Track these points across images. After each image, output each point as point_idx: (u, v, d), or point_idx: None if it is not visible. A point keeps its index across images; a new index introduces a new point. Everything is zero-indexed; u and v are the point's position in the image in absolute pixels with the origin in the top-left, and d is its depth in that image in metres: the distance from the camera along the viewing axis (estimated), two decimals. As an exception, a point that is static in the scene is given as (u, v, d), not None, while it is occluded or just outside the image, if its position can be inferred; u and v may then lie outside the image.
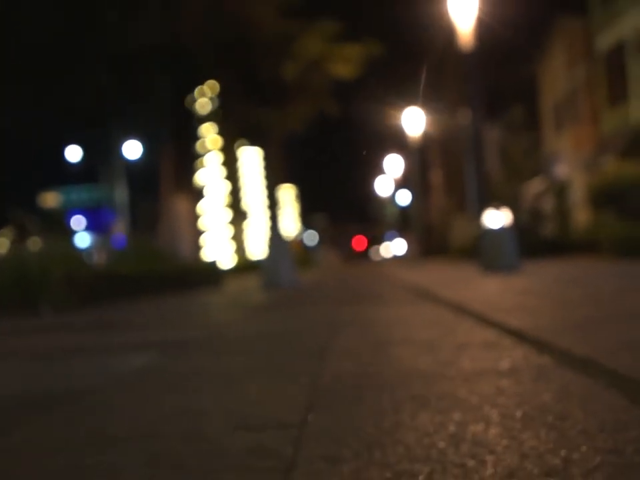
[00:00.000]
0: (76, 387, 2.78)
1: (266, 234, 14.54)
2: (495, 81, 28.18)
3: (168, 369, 3.25)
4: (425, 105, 33.11)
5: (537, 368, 2.47)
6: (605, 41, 27.79)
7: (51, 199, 49.33)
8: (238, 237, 71.35)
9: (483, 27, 16.26)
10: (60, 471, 1.58)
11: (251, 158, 77.34)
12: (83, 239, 33.80)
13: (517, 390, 2.12)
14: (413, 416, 1.86)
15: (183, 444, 1.73)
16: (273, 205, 38.25)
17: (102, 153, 34.88)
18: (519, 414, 1.80)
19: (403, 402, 2.05)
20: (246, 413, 2.06)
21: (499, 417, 1.78)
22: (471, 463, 1.43)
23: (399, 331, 4.13)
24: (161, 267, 14.27)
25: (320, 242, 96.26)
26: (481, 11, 16.13)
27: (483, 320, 4.17)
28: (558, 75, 32.51)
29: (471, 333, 3.72)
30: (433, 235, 41.54)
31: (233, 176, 75.00)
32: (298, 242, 64.52)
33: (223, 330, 5.37)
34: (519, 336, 3.30)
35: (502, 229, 12.81)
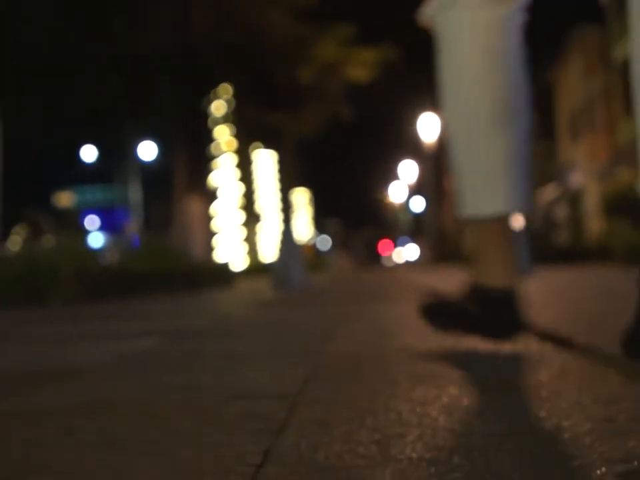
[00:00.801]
0: (79, 365, 2.81)
1: (278, 236, 14.51)
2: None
3: (170, 351, 3.26)
4: (440, 110, 33.11)
5: (536, 353, 2.47)
6: (622, 51, 27.71)
7: (65, 199, 49.69)
8: (251, 239, 71.48)
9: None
10: (55, 429, 1.60)
11: (266, 161, 77.51)
12: (96, 239, 33.91)
13: (514, 370, 2.12)
14: (409, 390, 1.86)
15: (177, 411, 1.74)
16: (286, 207, 38.28)
17: (117, 153, 35.07)
18: (513, 389, 1.80)
19: (400, 378, 2.05)
20: (243, 387, 2.07)
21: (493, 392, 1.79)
22: (461, 428, 1.43)
23: (405, 322, 4.13)
24: (172, 265, 14.31)
25: (332, 247, 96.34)
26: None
27: (489, 314, 4.15)
28: (574, 84, 32.43)
29: (476, 324, 3.71)
30: (446, 241, 41.45)
31: (247, 178, 75.20)
32: (310, 246, 64.57)
33: (229, 320, 5.39)
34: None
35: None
